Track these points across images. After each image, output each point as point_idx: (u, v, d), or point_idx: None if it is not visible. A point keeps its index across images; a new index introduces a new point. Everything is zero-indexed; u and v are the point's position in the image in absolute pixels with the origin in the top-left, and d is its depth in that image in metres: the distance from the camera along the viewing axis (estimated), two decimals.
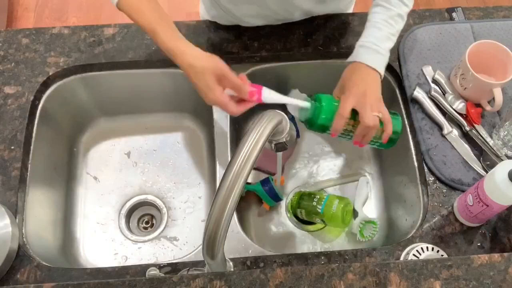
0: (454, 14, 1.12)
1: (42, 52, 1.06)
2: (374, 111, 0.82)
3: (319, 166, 1.17)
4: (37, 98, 1.03)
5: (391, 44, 0.88)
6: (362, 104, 0.81)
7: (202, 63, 0.79)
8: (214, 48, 1.07)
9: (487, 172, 0.92)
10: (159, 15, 0.82)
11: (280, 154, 0.98)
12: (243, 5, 1.01)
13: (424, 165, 0.95)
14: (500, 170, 0.75)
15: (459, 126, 0.98)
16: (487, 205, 0.79)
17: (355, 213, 1.09)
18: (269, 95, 0.82)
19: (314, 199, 1.03)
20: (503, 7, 1.13)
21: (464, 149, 0.95)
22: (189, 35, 1.08)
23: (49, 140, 1.06)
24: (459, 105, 0.98)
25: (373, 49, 0.85)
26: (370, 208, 1.12)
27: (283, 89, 1.18)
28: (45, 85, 1.04)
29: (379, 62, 0.86)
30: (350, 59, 0.88)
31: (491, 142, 0.94)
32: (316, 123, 0.84)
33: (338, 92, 0.87)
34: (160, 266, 0.85)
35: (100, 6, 2.32)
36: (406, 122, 1.02)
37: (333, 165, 1.16)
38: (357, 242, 1.06)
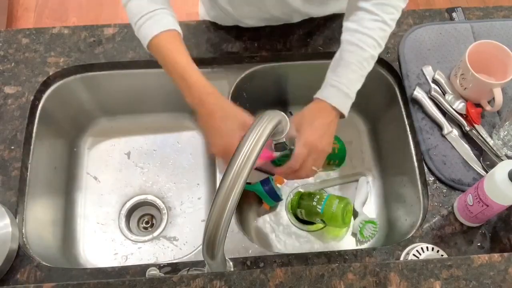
0: (454, 14, 1.12)
1: (42, 52, 1.06)
2: (317, 166, 0.81)
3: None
4: (37, 98, 1.03)
5: (360, 85, 0.85)
6: (312, 157, 0.80)
7: (232, 109, 0.78)
8: (214, 48, 1.07)
9: (487, 172, 0.92)
10: (188, 61, 0.81)
11: (280, 154, 0.98)
12: (243, 7, 1.01)
13: (424, 165, 0.95)
14: (500, 170, 0.75)
15: (459, 126, 0.98)
16: (487, 205, 0.79)
17: (355, 213, 1.09)
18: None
19: (314, 199, 1.03)
20: (503, 7, 1.13)
21: (464, 149, 0.95)
22: (189, 35, 1.08)
23: (49, 140, 1.06)
24: (459, 105, 0.98)
25: (345, 92, 0.82)
26: (370, 208, 1.12)
27: (283, 89, 1.18)
28: (45, 85, 1.04)
29: (347, 106, 0.83)
30: (319, 95, 0.84)
31: (491, 142, 0.94)
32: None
33: (294, 126, 0.82)
34: (160, 266, 0.85)
35: (100, 6, 2.32)
36: (406, 122, 1.02)
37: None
38: (357, 242, 1.06)
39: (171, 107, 1.20)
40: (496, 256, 0.73)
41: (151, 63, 1.07)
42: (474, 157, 0.94)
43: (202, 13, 1.17)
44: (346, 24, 0.86)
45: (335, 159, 0.95)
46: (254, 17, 1.05)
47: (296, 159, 0.79)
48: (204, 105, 0.78)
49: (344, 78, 0.82)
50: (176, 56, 0.81)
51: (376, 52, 0.85)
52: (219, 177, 0.99)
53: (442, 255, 0.84)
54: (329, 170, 1.04)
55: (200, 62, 1.06)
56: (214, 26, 1.10)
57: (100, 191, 1.14)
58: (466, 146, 0.95)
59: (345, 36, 0.85)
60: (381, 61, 1.08)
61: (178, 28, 0.84)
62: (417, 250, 0.84)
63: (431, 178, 0.94)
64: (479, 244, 0.87)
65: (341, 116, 0.84)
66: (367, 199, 1.12)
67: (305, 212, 1.05)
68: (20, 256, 0.85)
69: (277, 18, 1.05)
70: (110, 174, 1.15)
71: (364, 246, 1.06)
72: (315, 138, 0.80)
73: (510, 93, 1.01)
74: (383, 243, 1.06)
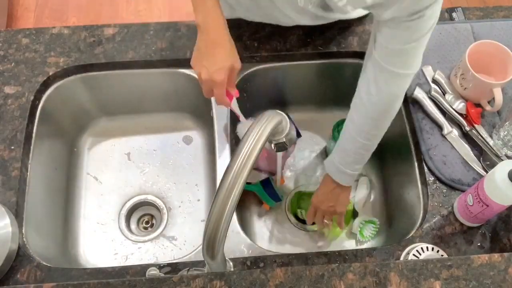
0: (454, 14, 1.12)
1: (42, 52, 1.06)
2: (327, 219, 1.01)
3: (318, 166, 1.17)
4: (37, 98, 1.03)
5: (359, 166, 0.94)
6: (319, 213, 1.01)
7: (233, 47, 0.83)
8: None
9: (487, 172, 0.92)
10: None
11: (280, 154, 0.98)
12: (255, 16, 1.01)
13: (424, 165, 0.95)
14: (500, 170, 0.75)
15: (459, 126, 0.98)
16: (487, 205, 0.79)
17: (355, 213, 1.09)
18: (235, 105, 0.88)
19: None
20: (503, 7, 1.13)
21: (464, 149, 0.95)
22: (189, 35, 1.08)
23: (49, 140, 1.06)
24: (459, 105, 0.98)
25: (342, 171, 0.94)
26: (370, 208, 1.12)
27: (283, 89, 1.18)
28: (45, 85, 1.04)
29: (347, 179, 0.96)
30: (325, 165, 0.98)
31: (491, 142, 0.94)
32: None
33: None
34: (160, 266, 0.85)
35: (100, 6, 2.32)
36: (406, 122, 1.02)
37: None
38: (357, 242, 1.06)
39: (171, 107, 1.20)
40: (496, 256, 0.73)
41: (151, 63, 1.07)
42: (474, 157, 0.94)
43: None
44: (355, 97, 0.90)
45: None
46: (260, 15, 1.05)
47: (308, 214, 1.03)
48: (213, 32, 0.81)
49: (343, 160, 0.93)
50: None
51: (371, 142, 0.90)
52: (219, 177, 0.99)
53: (442, 255, 0.84)
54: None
55: None
56: None
57: (100, 191, 1.13)
58: (466, 146, 0.95)
59: (349, 114, 0.91)
60: None
61: None
62: (417, 250, 0.84)
63: (431, 178, 0.94)
64: (479, 244, 0.87)
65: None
66: (367, 199, 1.12)
67: (305, 212, 1.05)
68: (20, 256, 0.85)
69: (284, 23, 1.06)
70: (110, 174, 1.15)
71: (364, 246, 1.06)
72: (318, 201, 1.00)
73: (510, 93, 1.01)
74: (383, 243, 1.06)
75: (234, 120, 1.07)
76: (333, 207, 0.99)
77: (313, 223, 1.05)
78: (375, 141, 0.90)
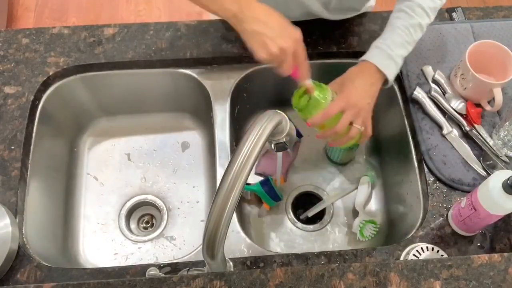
0: (454, 14, 1.12)
1: (42, 52, 1.06)
2: (358, 123, 0.84)
3: (318, 166, 1.17)
4: (37, 98, 1.03)
5: (405, 52, 0.87)
6: (350, 112, 0.82)
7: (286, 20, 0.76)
8: (214, 48, 1.07)
9: (487, 172, 0.92)
10: None
11: (280, 154, 0.98)
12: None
13: (424, 165, 0.95)
14: (495, 179, 0.75)
15: (459, 126, 0.98)
16: (475, 209, 0.79)
17: (355, 213, 1.09)
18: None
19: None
20: (503, 7, 1.13)
21: (464, 149, 0.95)
22: (189, 35, 1.08)
23: (49, 140, 1.06)
24: (459, 105, 0.98)
25: (387, 53, 0.85)
26: (370, 208, 1.12)
27: (283, 89, 1.18)
28: (45, 85, 1.04)
29: (391, 68, 0.85)
30: (363, 57, 0.87)
31: (491, 142, 0.94)
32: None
33: (337, 86, 0.87)
34: (160, 266, 0.85)
35: (100, 6, 2.32)
36: (406, 122, 1.02)
37: (334, 168, 1.16)
38: (357, 242, 1.06)
39: (171, 107, 1.20)
40: (496, 256, 0.73)
41: (151, 63, 1.07)
42: (474, 157, 0.94)
43: None
44: None
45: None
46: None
47: (331, 106, 0.81)
48: (255, 6, 0.74)
49: (388, 40, 0.85)
50: None
51: (424, 21, 0.86)
52: (219, 177, 0.99)
53: (442, 255, 0.84)
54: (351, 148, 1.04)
55: (200, 62, 1.06)
56: (214, 25, 1.10)
57: (100, 191, 1.14)
58: (466, 146, 0.95)
59: (396, 4, 0.88)
60: None
61: None
62: (417, 250, 0.84)
63: (431, 178, 0.94)
64: (479, 244, 0.87)
65: (385, 81, 0.85)
66: (369, 200, 1.12)
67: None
68: (20, 256, 0.85)
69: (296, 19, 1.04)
70: (110, 174, 1.15)
71: (364, 246, 1.06)
72: (354, 95, 0.82)
73: (510, 93, 1.01)
74: (383, 243, 1.06)
75: (234, 120, 1.07)
76: (370, 105, 0.84)
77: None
78: (427, 18, 0.86)
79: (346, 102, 0.82)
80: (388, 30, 0.88)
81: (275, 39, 0.73)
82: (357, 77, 0.85)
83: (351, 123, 0.84)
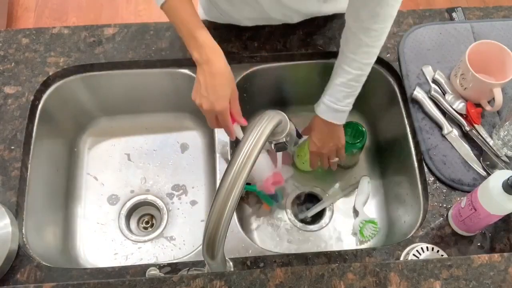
0: (454, 14, 1.12)
1: (42, 52, 1.06)
2: (332, 159, 1.03)
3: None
4: (37, 98, 1.03)
5: (353, 98, 0.94)
6: (324, 156, 1.03)
7: (231, 75, 0.86)
8: None
9: (487, 172, 0.92)
10: (197, 20, 0.86)
11: (280, 154, 0.98)
12: (241, 9, 1.01)
13: (424, 165, 0.95)
14: (495, 179, 0.75)
15: (459, 126, 0.98)
16: (475, 209, 0.79)
17: (355, 213, 1.09)
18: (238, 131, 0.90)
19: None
20: (503, 7, 1.13)
21: (464, 149, 0.95)
22: None
23: (49, 140, 1.06)
24: (459, 105, 0.98)
25: (333, 108, 0.93)
26: (370, 208, 1.12)
27: (283, 89, 1.18)
28: (45, 85, 1.04)
29: (340, 117, 0.95)
30: (316, 110, 0.96)
31: (491, 142, 0.94)
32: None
33: (306, 131, 1.03)
34: (160, 266, 0.85)
35: (100, 6, 2.32)
36: (406, 122, 1.02)
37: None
38: (357, 242, 1.06)
39: (171, 107, 1.20)
40: (496, 256, 0.73)
41: (151, 63, 1.07)
42: (474, 157, 0.94)
43: (201, 14, 1.17)
44: (341, 45, 0.92)
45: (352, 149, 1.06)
46: (253, 18, 1.05)
47: (312, 159, 1.04)
48: (211, 65, 0.83)
49: (332, 97, 0.93)
50: (185, 16, 0.86)
51: (361, 72, 0.90)
52: (219, 177, 0.99)
53: (442, 255, 0.84)
54: (352, 156, 1.11)
55: None
56: (214, 26, 1.10)
57: (100, 191, 1.14)
58: (466, 146, 0.95)
59: (338, 57, 0.93)
60: (381, 61, 1.08)
61: None
62: (417, 250, 0.84)
63: (431, 178, 0.94)
64: (479, 244, 0.87)
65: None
66: (368, 199, 1.12)
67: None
68: (20, 256, 0.85)
69: (277, 19, 1.06)
70: (110, 174, 1.15)
71: (364, 246, 1.06)
72: (317, 148, 1.00)
73: (510, 93, 1.01)
74: (383, 243, 1.06)
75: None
76: (334, 145, 0.99)
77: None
78: (366, 70, 0.91)
79: (315, 155, 1.02)
80: (329, 86, 0.93)
81: (203, 98, 0.83)
82: (314, 132, 0.99)
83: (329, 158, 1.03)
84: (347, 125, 1.04)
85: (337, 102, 0.92)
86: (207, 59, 0.83)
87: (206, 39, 0.84)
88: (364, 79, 0.92)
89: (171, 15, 0.88)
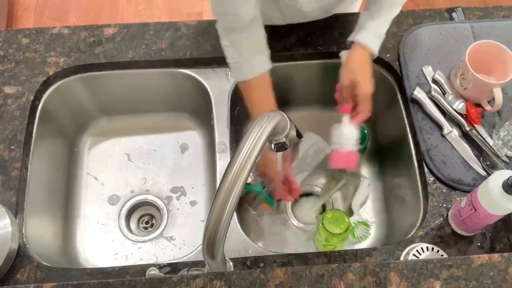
0: (454, 14, 1.12)
1: (42, 52, 1.06)
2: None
3: (319, 167, 1.16)
4: (37, 98, 1.03)
5: (388, 27, 0.95)
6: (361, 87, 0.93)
7: (272, 156, 0.94)
8: (214, 48, 1.07)
9: (487, 172, 0.92)
10: (263, 106, 0.92)
11: (280, 154, 0.98)
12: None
13: (424, 165, 0.95)
14: (495, 179, 0.75)
15: (459, 126, 0.98)
16: (475, 209, 0.79)
17: (351, 212, 1.09)
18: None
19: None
20: (503, 7, 1.13)
21: (464, 149, 0.95)
22: (189, 35, 1.08)
23: (49, 140, 1.06)
24: (459, 105, 0.98)
25: (379, 33, 0.93)
26: (369, 207, 1.12)
27: (283, 89, 1.18)
28: (45, 85, 1.04)
29: (378, 45, 0.94)
30: (362, 40, 0.92)
31: (491, 142, 0.94)
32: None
33: (350, 76, 0.94)
34: (160, 266, 0.85)
35: (100, 6, 2.32)
36: (406, 122, 1.02)
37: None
38: (353, 242, 1.06)
39: (171, 107, 1.20)
40: (496, 256, 0.73)
41: (151, 63, 1.07)
42: (474, 157, 0.94)
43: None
44: None
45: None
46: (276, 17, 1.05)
47: (366, 101, 0.95)
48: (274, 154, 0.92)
49: (376, 20, 0.93)
50: (256, 102, 0.93)
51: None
52: (219, 177, 0.99)
53: (442, 255, 0.84)
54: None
55: (200, 62, 1.06)
56: (214, 26, 1.09)
57: (100, 191, 1.13)
58: (466, 146, 0.95)
59: None
60: (381, 61, 1.08)
61: (266, 67, 0.93)
62: (417, 250, 0.84)
63: (431, 178, 0.94)
64: (479, 244, 0.87)
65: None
66: (366, 201, 1.12)
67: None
68: (20, 256, 0.85)
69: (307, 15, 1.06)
70: (110, 174, 1.15)
71: (364, 246, 1.06)
72: (368, 84, 0.93)
73: (510, 93, 1.01)
74: (383, 243, 1.06)
75: (234, 120, 1.07)
76: (370, 83, 0.94)
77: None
78: None
79: (349, 83, 0.93)
80: (374, 9, 0.93)
81: (265, 174, 0.97)
82: (363, 68, 0.93)
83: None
84: None
85: (381, 26, 0.93)
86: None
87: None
88: (398, 10, 0.95)
89: (244, 95, 0.95)
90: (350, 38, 0.95)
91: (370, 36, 0.93)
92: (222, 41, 0.92)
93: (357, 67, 0.93)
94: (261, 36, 0.92)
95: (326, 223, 0.91)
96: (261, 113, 0.88)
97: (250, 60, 0.91)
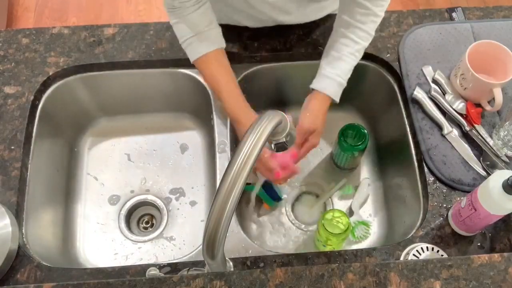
0: (454, 14, 1.12)
1: (42, 52, 1.06)
2: (315, 144, 0.95)
3: (319, 167, 1.17)
4: (37, 98, 1.03)
5: (350, 74, 0.94)
6: (311, 136, 0.94)
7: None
8: None
9: (487, 172, 0.92)
10: (227, 81, 0.93)
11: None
12: (236, 10, 1.01)
13: (424, 165, 0.95)
14: (495, 179, 0.75)
15: (459, 126, 0.98)
16: (475, 209, 0.79)
17: (351, 213, 1.09)
18: None
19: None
20: (503, 7, 1.13)
21: (464, 149, 0.95)
22: None
23: (49, 140, 1.06)
24: (459, 105, 0.98)
25: (339, 83, 0.92)
26: (369, 207, 1.12)
27: (283, 89, 1.18)
28: (45, 85, 1.04)
29: (339, 93, 0.93)
30: (317, 87, 0.92)
31: (491, 142, 0.94)
32: None
33: (308, 119, 0.94)
34: (160, 266, 0.85)
35: (100, 6, 2.32)
36: (406, 122, 1.02)
37: (333, 167, 1.16)
38: (353, 242, 1.06)
39: (171, 107, 1.20)
40: (496, 256, 0.73)
41: (151, 63, 1.07)
42: (474, 157, 0.94)
43: None
44: (340, 16, 0.93)
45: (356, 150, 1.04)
46: (251, 19, 1.04)
47: (300, 137, 0.93)
48: (241, 123, 0.91)
49: (339, 70, 0.91)
50: (217, 78, 0.93)
51: (367, 42, 0.93)
52: (219, 177, 0.99)
53: (442, 255, 0.84)
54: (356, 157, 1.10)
55: None
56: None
57: (100, 191, 1.13)
58: (466, 146, 0.95)
59: (339, 29, 0.93)
60: (381, 61, 1.08)
61: (220, 44, 0.93)
62: (417, 250, 0.84)
63: (431, 178, 0.94)
64: (479, 244, 0.87)
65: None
66: (366, 201, 1.12)
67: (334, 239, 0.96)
68: (20, 256, 0.85)
69: (272, 19, 1.04)
70: (110, 174, 1.15)
71: (364, 246, 1.06)
72: (316, 124, 0.92)
73: (510, 93, 1.01)
74: (383, 243, 1.06)
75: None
76: (322, 128, 0.95)
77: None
78: (367, 43, 0.93)
79: (308, 131, 0.92)
80: (336, 57, 0.92)
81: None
82: (316, 107, 0.93)
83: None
84: (349, 127, 1.04)
85: (342, 76, 0.91)
86: (238, 119, 0.92)
87: (235, 102, 0.92)
88: (363, 52, 0.93)
89: (203, 75, 0.95)
90: (312, 86, 0.94)
91: (334, 86, 0.92)
92: (171, 20, 0.91)
93: (319, 115, 0.93)
94: (209, 9, 0.91)
95: (326, 223, 0.91)
96: (222, 88, 0.91)
97: (202, 34, 0.90)
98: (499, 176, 0.75)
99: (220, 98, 0.93)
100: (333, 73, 0.91)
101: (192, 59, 0.93)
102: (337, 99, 0.93)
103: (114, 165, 1.17)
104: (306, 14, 1.07)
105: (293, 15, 1.04)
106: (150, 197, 1.13)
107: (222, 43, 0.94)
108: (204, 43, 0.91)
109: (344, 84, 0.92)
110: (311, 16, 1.08)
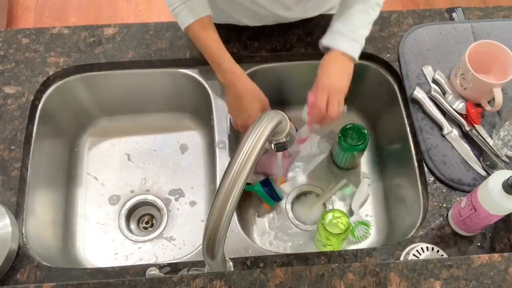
0: (454, 14, 1.12)
1: (42, 52, 1.06)
2: (341, 105, 0.90)
3: (319, 167, 1.17)
4: (37, 98, 1.03)
5: (367, 32, 0.91)
6: (331, 97, 0.88)
7: (256, 91, 0.95)
8: None
9: (487, 172, 0.92)
10: (219, 47, 0.94)
11: (280, 154, 0.98)
12: (238, 7, 1.01)
13: (424, 165, 0.95)
14: (495, 179, 0.75)
15: (459, 126, 0.98)
16: (475, 210, 0.79)
17: (350, 213, 1.09)
18: None
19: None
20: (503, 7, 1.13)
21: (464, 149, 0.95)
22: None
23: (49, 140, 1.06)
24: (459, 105, 0.98)
25: (350, 37, 0.89)
26: (369, 207, 1.12)
27: (283, 89, 1.18)
28: (45, 85, 1.04)
29: (355, 48, 0.90)
30: (327, 43, 0.90)
31: (491, 142, 0.94)
32: None
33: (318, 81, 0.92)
34: (160, 266, 0.85)
35: (100, 6, 2.32)
36: (406, 122, 1.02)
37: (333, 166, 1.16)
38: (353, 242, 1.06)
39: (171, 107, 1.20)
40: (496, 256, 0.73)
41: (151, 63, 1.07)
42: (474, 157, 0.94)
43: None
44: None
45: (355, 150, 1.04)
46: (249, 15, 1.04)
47: (319, 102, 0.88)
48: (235, 87, 0.93)
49: (349, 25, 0.90)
50: (209, 43, 0.94)
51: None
52: (219, 177, 0.99)
53: (442, 255, 0.84)
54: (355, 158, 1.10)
55: (200, 62, 1.06)
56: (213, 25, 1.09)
57: (100, 191, 1.14)
58: (466, 146, 0.95)
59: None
60: (381, 61, 1.08)
61: (208, 12, 0.93)
62: (417, 250, 0.84)
63: (431, 178, 0.94)
64: (479, 244, 0.87)
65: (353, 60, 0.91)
66: (366, 201, 1.12)
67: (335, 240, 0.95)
68: (20, 256, 0.85)
69: (273, 15, 1.05)
70: (110, 174, 1.15)
71: (364, 246, 1.06)
72: (330, 80, 0.89)
73: (510, 93, 1.01)
74: (383, 243, 1.06)
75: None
76: (346, 85, 0.90)
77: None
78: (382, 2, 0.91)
79: (327, 91, 0.88)
80: (345, 13, 0.90)
81: (238, 116, 0.96)
82: (329, 67, 0.90)
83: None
84: (349, 127, 1.04)
85: (354, 31, 0.88)
86: (231, 82, 0.93)
87: (228, 64, 0.93)
88: (378, 11, 0.91)
89: (195, 41, 0.95)
90: (322, 44, 0.92)
91: (344, 41, 0.89)
92: None
93: (332, 72, 0.89)
94: None
95: (326, 223, 0.91)
96: (216, 52, 0.93)
97: (191, 1, 0.91)
98: (499, 176, 0.75)
99: (213, 61, 0.94)
100: (342, 28, 0.90)
101: (183, 26, 0.93)
102: (354, 55, 0.89)
103: (114, 165, 1.17)
104: (306, 9, 1.07)
105: (294, 10, 1.04)
106: (150, 197, 1.13)
107: (209, 11, 0.94)
108: (192, 11, 0.91)
109: (358, 39, 0.89)
110: (311, 12, 1.08)
